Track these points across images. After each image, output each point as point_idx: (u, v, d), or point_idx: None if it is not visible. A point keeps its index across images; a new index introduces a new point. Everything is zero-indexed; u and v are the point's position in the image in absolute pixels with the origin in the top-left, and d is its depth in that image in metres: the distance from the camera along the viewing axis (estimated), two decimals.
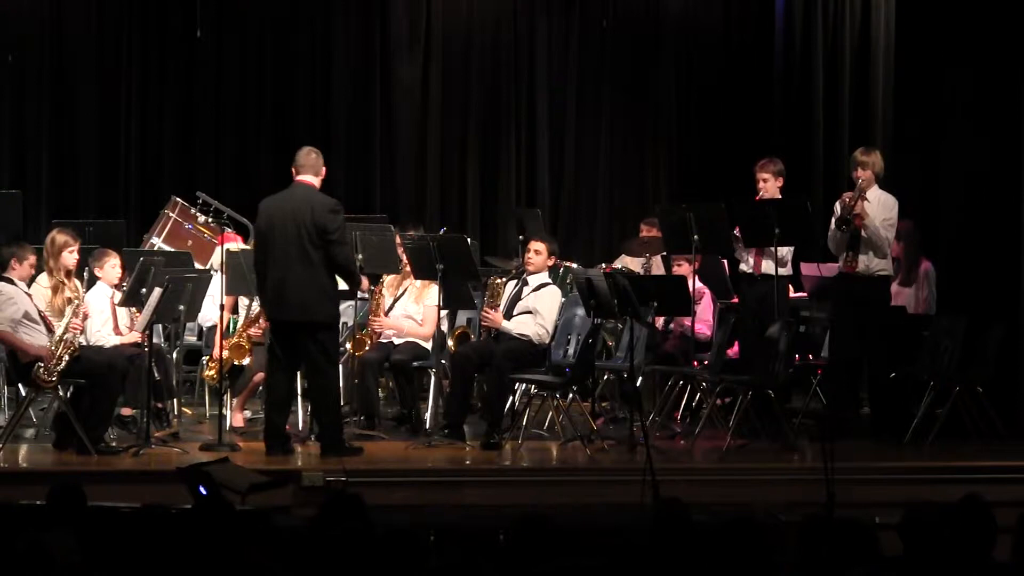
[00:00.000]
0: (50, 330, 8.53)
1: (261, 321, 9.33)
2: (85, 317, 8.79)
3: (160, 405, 9.19)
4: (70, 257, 8.82)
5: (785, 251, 9.33)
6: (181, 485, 6.70)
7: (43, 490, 5.70)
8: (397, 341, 9.62)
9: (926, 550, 4.61)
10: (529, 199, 12.96)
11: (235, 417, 9.42)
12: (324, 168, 8.74)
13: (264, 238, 8.54)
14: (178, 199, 10.87)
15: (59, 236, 8.84)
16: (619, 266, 10.69)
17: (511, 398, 9.45)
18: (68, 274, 8.83)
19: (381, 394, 10.08)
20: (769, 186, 9.47)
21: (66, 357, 8.42)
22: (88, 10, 12.45)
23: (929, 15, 10.45)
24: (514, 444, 8.95)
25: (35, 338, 8.51)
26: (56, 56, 12.38)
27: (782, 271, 9.35)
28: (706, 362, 9.55)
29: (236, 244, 9.91)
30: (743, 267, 9.57)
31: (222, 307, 9.08)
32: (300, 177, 8.64)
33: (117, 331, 9.12)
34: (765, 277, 9.39)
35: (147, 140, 12.57)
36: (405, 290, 9.72)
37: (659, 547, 4.95)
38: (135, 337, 8.99)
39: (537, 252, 9.47)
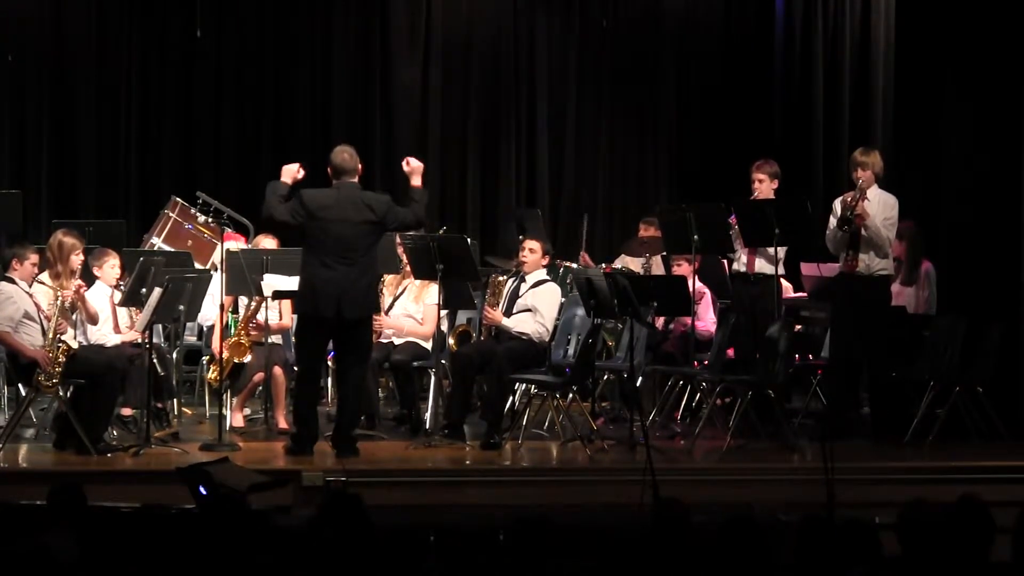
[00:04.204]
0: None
1: (258, 318, 9.33)
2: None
3: (160, 405, 9.19)
4: (77, 260, 8.82)
5: (780, 250, 9.33)
6: (181, 485, 6.69)
7: (43, 490, 5.70)
8: (397, 341, 9.63)
9: (923, 549, 4.61)
10: (529, 199, 12.97)
11: (235, 417, 9.42)
12: (360, 165, 8.76)
13: (315, 235, 8.48)
14: (178, 199, 10.87)
15: (67, 239, 8.78)
16: (619, 266, 10.70)
17: (511, 398, 9.46)
18: (72, 275, 8.83)
19: (381, 394, 10.09)
20: (764, 187, 9.48)
21: (61, 358, 8.43)
22: (88, 10, 12.45)
23: (929, 15, 10.45)
24: (514, 444, 8.96)
25: (35, 338, 8.53)
26: (56, 56, 12.39)
27: (777, 271, 9.34)
28: (706, 362, 9.56)
29: (236, 244, 9.92)
30: (736, 266, 9.58)
31: (222, 307, 9.08)
32: (343, 180, 8.61)
33: (117, 330, 9.12)
34: (759, 277, 9.40)
35: (147, 140, 12.57)
36: (404, 289, 9.72)
37: (659, 547, 4.95)
38: (135, 335, 8.99)
39: (531, 251, 9.49)
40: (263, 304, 9.25)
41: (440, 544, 4.96)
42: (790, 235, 9.22)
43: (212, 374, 9.47)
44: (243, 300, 9.51)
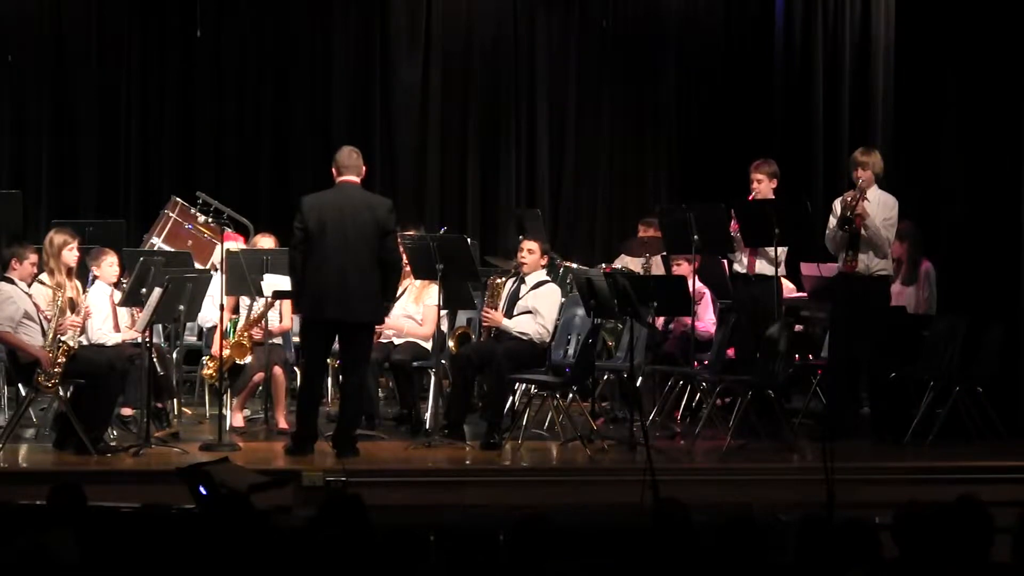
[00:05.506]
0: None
1: (263, 323, 9.33)
2: (86, 316, 8.79)
3: (160, 405, 9.19)
4: (70, 255, 8.82)
5: (780, 251, 9.33)
6: (181, 485, 6.69)
7: (43, 490, 5.70)
8: (397, 341, 9.63)
9: (920, 550, 4.61)
10: (529, 199, 12.97)
11: (235, 417, 9.42)
12: (364, 167, 8.75)
13: (314, 238, 8.45)
14: (178, 199, 10.87)
15: (57, 236, 8.83)
16: (619, 266, 10.69)
17: (511, 398, 9.45)
18: (69, 273, 8.83)
19: (381, 394, 10.09)
20: (763, 187, 9.49)
21: (61, 358, 8.42)
22: (88, 10, 12.46)
23: (929, 15, 10.45)
24: (514, 444, 8.95)
25: (34, 338, 8.53)
26: (56, 56, 12.39)
27: (777, 271, 9.35)
28: (706, 362, 9.56)
29: (236, 244, 9.92)
30: (737, 267, 9.59)
31: (222, 307, 9.07)
32: (345, 177, 8.61)
33: (117, 329, 9.12)
34: (759, 277, 9.40)
35: (147, 140, 12.58)
36: (404, 290, 9.72)
37: (659, 547, 4.95)
38: (135, 335, 8.99)
39: (530, 251, 9.49)
40: (270, 307, 9.26)
41: (440, 544, 4.96)
42: (790, 235, 9.22)
43: (209, 370, 9.45)
44: (244, 301, 9.51)
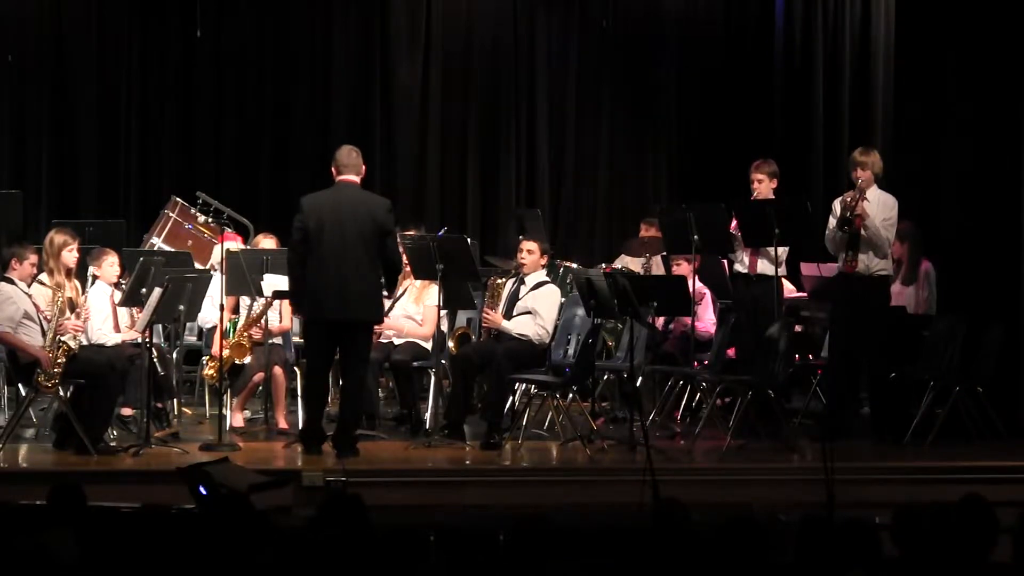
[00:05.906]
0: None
1: (262, 322, 9.33)
2: (86, 319, 8.79)
3: (160, 405, 9.19)
4: (70, 256, 8.82)
5: (781, 251, 9.33)
6: (181, 485, 6.68)
7: (43, 490, 5.70)
8: (397, 341, 9.63)
9: (921, 550, 4.62)
10: (529, 199, 12.97)
11: (235, 417, 9.42)
12: (364, 167, 8.75)
13: (312, 237, 8.45)
14: (178, 199, 10.87)
15: (57, 236, 8.84)
16: (619, 266, 10.70)
17: (511, 398, 9.45)
18: (69, 273, 8.83)
19: (381, 394, 10.09)
20: (763, 187, 9.49)
21: (61, 358, 8.42)
22: (88, 10, 12.46)
23: (929, 15, 10.46)
24: (514, 444, 8.95)
25: (34, 339, 8.53)
26: (56, 56, 12.39)
27: (778, 271, 9.36)
28: (706, 362, 9.56)
29: (236, 244, 9.92)
30: (738, 267, 9.58)
31: (222, 307, 9.07)
32: (344, 177, 8.61)
33: (117, 330, 9.12)
34: (760, 277, 9.41)
35: (147, 140, 12.58)
36: (404, 290, 9.72)
37: (659, 547, 4.95)
38: (135, 335, 8.99)
39: (530, 252, 9.49)
40: (269, 307, 9.25)
41: (440, 544, 4.96)
42: (790, 235, 9.22)
43: (209, 371, 9.45)
44: (244, 301, 9.51)
